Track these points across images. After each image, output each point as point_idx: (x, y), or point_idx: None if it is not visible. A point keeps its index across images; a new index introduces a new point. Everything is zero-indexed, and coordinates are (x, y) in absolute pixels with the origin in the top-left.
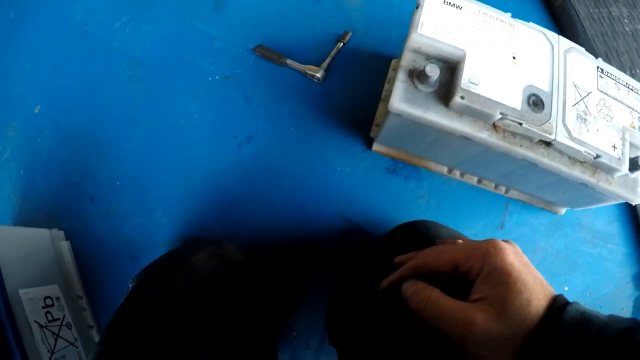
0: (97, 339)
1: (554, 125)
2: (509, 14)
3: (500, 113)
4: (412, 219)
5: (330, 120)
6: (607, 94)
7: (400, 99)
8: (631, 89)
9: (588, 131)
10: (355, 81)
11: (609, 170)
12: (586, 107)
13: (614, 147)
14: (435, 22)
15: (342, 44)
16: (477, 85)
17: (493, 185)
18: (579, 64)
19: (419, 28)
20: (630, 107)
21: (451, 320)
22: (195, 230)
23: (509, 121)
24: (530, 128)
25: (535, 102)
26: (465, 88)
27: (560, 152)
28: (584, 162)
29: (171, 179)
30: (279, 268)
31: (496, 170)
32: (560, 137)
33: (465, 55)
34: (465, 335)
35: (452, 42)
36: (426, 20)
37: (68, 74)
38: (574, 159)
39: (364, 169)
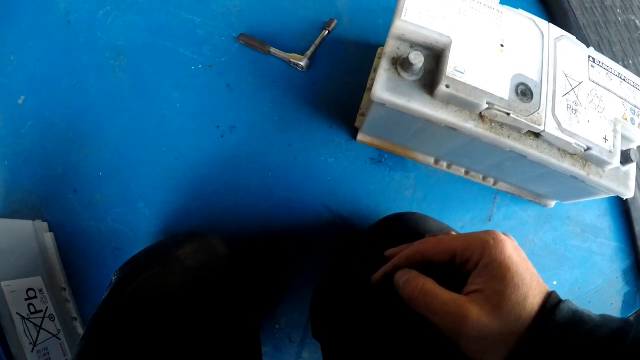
0: (80, 330)
1: (543, 115)
2: (497, 0)
3: (487, 102)
4: (398, 211)
5: (314, 109)
6: (598, 84)
7: (384, 88)
8: (624, 80)
9: (579, 122)
10: (341, 70)
11: (600, 163)
12: (577, 98)
13: (605, 139)
14: (420, 8)
15: (327, 32)
16: (463, 73)
17: (481, 177)
18: (570, 53)
19: (403, 14)
20: (622, 98)
21: (444, 312)
22: (178, 221)
23: (496, 111)
24: (519, 118)
25: (524, 91)
26: (450, 76)
27: (550, 144)
28: (574, 155)
29: (153, 169)
30: (263, 260)
31: (484, 161)
32: (549, 128)
33: (451, 43)
34: (458, 330)
35: (438, 29)
36: (411, 6)
37: (52, 64)
38: (564, 151)
39: (348, 159)
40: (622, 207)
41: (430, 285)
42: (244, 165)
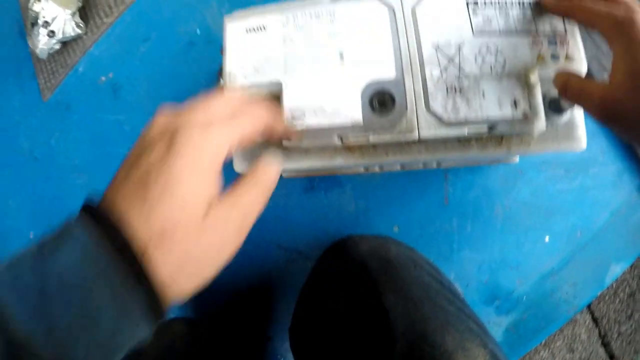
0: None
1: (414, 118)
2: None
3: (338, 136)
4: (345, 229)
5: None
6: (489, 33)
7: (240, 159)
8: (528, 7)
9: (468, 101)
10: None
11: (521, 133)
12: (459, 70)
13: (514, 104)
14: (243, 62)
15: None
16: (302, 118)
17: (421, 165)
18: (437, 14)
19: (228, 80)
20: (532, 31)
21: None
22: None
23: (353, 138)
24: (381, 139)
25: (382, 100)
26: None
27: (443, 140)
28: (481, 137)
29: None
30: (236, 324)
31: (398, 164)
32: (426, 130)
33: (281, 87)
34: None
35: (265, 78)
36: (233, 66)
37: (42, 200)
38: (465, 139)
39: (283, 196)
40: None
41: None
42: None
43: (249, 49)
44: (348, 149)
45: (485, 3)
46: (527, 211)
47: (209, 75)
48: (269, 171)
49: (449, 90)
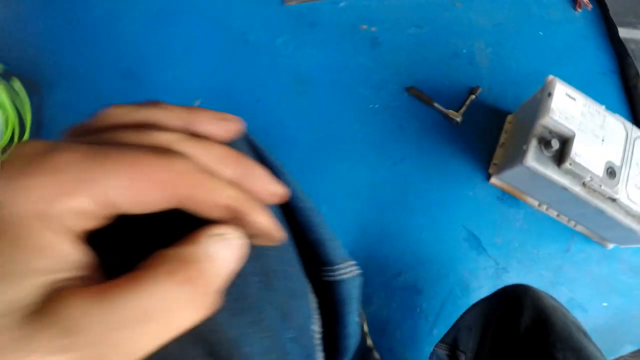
0: None
1: (619, 189)
2: (604, 107)
3: (590, 176)
4: (510, 237)
5: (462, 155)
6: None
7: (532, 158)
8: None
9: None
10: (479, 128)
11: None
12: None
13: None
14: (559, 108)
15: (474, 96)
16: (579, 157)
17: (566, 219)
18: None
19: (551, 112)
20: None
21: None
22: (353, 224)
23: (593, 182)
24: (605, 189)
25: (611, 172)
26: (572, 158)
27: (620, 207)
28: (636, 216)
29: (333, 180)
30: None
31: (574, 210)
32: (621, 197)
33: (575, 136)
34: None
35: (569, 125)
36: (555, 107)
37: (231, 75)
38: (632, 214)
39: (482, 195)
40: None
41: None
42: (409, 189)
43: (565, 103)
44: (584, 185)
45: None
46: (602, 281)
47: (460, 85)
48: (220, 256)
49: (636, 186)
